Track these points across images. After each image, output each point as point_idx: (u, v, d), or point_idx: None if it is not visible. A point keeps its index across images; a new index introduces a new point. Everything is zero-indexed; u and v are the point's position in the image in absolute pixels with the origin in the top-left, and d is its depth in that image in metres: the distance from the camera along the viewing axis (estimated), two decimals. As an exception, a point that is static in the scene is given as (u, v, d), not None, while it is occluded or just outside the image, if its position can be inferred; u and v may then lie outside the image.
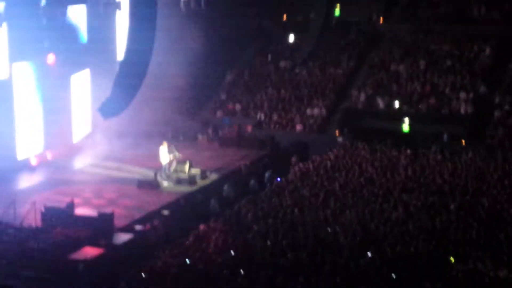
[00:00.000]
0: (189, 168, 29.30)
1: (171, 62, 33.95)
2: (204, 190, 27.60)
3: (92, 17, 32.57)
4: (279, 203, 24.18)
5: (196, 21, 37.83)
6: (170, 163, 29.29)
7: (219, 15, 41.64)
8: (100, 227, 21.97)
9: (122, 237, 21.63)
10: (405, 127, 37.40)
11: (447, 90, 39.22)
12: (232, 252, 19.73)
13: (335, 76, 42.58)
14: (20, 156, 29.96)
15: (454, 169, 28.25)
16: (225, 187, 27.10)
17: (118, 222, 22.93)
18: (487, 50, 41.76)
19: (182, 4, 36.12)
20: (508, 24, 42.66)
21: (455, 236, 20.63)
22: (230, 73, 44.60)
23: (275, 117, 39.75)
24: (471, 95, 38.47)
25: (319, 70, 43.10)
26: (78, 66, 32.49)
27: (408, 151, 30.92)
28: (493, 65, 40.83)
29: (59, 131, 31.46)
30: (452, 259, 18.94)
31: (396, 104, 38.99)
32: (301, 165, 29.61)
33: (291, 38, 46.38)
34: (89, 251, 20.27)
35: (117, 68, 24.90)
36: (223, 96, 42.79)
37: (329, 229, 21.39)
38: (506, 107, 36.80)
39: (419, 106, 38.69)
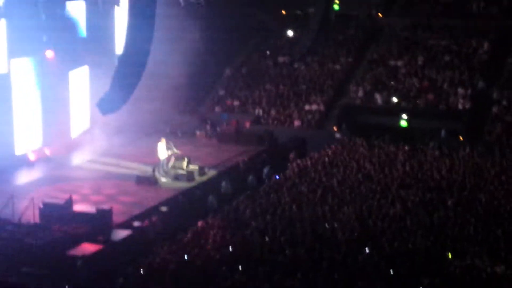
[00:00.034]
0: (187, 164, 29.31)
1: (169, 58, 33.91)
2: (202, 186, 27.60)
3: (91, 12, 32.53)
4: (277, 199, 24.21)
5: (195, 17, 37.81)
6: (168, 159, 29.31)
7: (218, 11, 41.59)
8: (98, 223, 22.02)
9: (121, 233, 21.65)
10: (403, 122, 37.44)
11: (445, 86, 39.27)
12: (230, 248, 19.77)
13: (334, 71, 42.61)
14: (18, 152, 29.97)
15: (452, 165, 28.29)
16: (223, 183, 27.12)
17: (117, 218, 22.95)
18: (485, 45, 41.79)
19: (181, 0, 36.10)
20: (507, 19, 42.68)
21: (452, 232, 20.69)
22: (229, 68, 44.60)
23: (273, 112, 39.76)
24: (469, 90, 38.51)
25: (318, 66, 43.12)
26: (77, 62, 32.48)
27: (406, 147, 30.97)
28: (491, 60, 40.87)
29: (57, 127, 31.47)
30: (449, 255, 19.00)
31: (394, 99, 39.02)
32: (299, 161, 29.63)
33: (290, 33, 46.38)
34: (88, 247, 20.31)
35: (115, 64, 24.91)
36: (221, 92, 42.80)
37: (327, 225, 21.45)
38: (504, 103, 36.84)
39: (417, 101, 38.73)
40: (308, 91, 40.98)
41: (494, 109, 36.60)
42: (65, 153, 31.66)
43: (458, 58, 41.27)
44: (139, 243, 21.41)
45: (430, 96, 38.68)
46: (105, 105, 24.50)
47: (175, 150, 29.51)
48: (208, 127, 37.72)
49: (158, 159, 29.15)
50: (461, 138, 34.40)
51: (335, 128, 37.39)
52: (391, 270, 18.05)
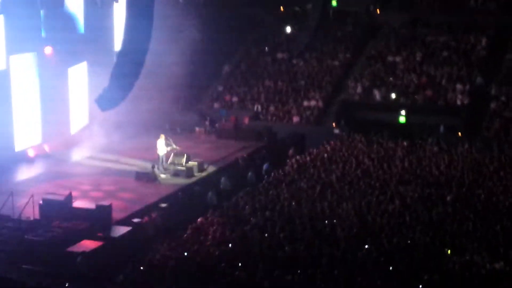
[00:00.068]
0: (187, 161, 29.33)
1: (168, 54, 33.92)
2: (201, 182, 27.63)
3: (89, 9, 32.51)
4: (277, 195, 24.26)
5: (194, 13, 37.81)
6: (167, 155, 29.33)
7: (217, 7, 41.61)
8: (98, 220, 22.03)
9: (120, 230, 21.69)
10: (402, 118, 37.48)
11: (443, 82, 39.31)
12: (229, 244, 19.82)
13: (332, 67, 42.63)
14: (17, 148, 29.98)
15: (451, 161, 28.37)
16: (223, 179, 27.15)
17: (116, 214, 22.97)
18: (484, 41, 41.83)
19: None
20: (505, 15, 42.70)
21: (451, 228, 20.75)
22: (227, 65, 44.60)
23: (272, 109, 39.78)
24: (467, 86, 38.56)
25: (316, 62, 43.14)
26: (76, 58, 32.45)
27: (405, 143, 31.02)
28: (489, 56, 40.91)
29: (56, 123, 31.44)
30: (448, 251, 19.05)
31: (393, 95, 39.06)
32: (298, 157, 29.67)
33: (288, 29, 46.38)
34: (88, 244, 20.34)
35: (114, 59, 24.91)
36: (220, 88, 42.81)
37: (326, 221, 21.49)
38: (502, 99, 36.89)
39: (416, 97, 38.77)
40: (307, 87, 41.00)
41: (492, 105, 36.66)
42: (65, 149, 31.66)
43: (456, 54, 41.30)
44: (139, 239, 21.46)
45: (429, 92, 38.73)
46: (104, 102, 24.55)
47: (174, 146, 29.53)
48: (207, 123, 37.72)
49: (158, 155, 29.17)
50: (459, 134, 34.46)
51: (333, 124, 37.42)
52: (390, 266, 18.11)
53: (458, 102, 37.89)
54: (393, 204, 22.92)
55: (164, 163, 29.12)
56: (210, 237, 20.49)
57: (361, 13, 46.82)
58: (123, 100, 25.82)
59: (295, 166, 28.25)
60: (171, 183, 27.61)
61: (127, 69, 24.05)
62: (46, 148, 31.34)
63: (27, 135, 30.45)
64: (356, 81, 40.85)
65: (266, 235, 20.44)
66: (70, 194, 23.22)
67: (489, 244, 19.47)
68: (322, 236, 20.27)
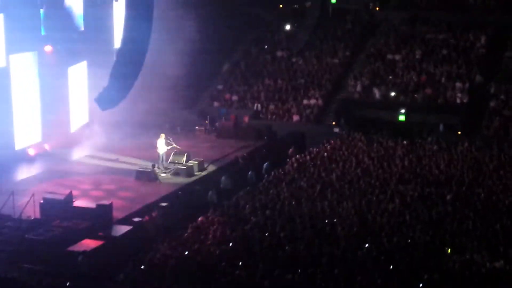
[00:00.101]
0: (187, 160, 29.35)
1: (168, 53, 33.92)
2: (202, 181, 27.64)
3: (89, 7, 32.52)
4: (277, 194, 24.27)
5: (193, 11, 37.80)
6: (167, 154, 29.35)
7: (216, 5, 41.62)
8: (98, 219, 22.04)
9: (121, 229, 21.69)
10: (401, 117, 37.50)
11: (443, 80, 39.34)
12: (230, 244, 19.84)
13: (332, 66, 42.66)
14: (18, 146, 29.99)
15: (450, 160, 28.40)
16: (223, 178, 27.14)
17: (117, 213, 22.99)
18: (483, 39, 41.86)
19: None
20: (504, 13, 42.75)
21: (451, 227, 20.77)
22: (227, 63, 44.62)
23: (272, 107, 39.83)
24: (467, 84, 38.59)
25: (316, 60, 43.17)
26: (76, 57, 32.47)
27: (405, 142, 31.05)
28: (488, 54, 40.95)
29: (56, 122, 31.47)
30: (448, 250, 19.08)
31: (392, 94, 39.08)
32: (298, 156, 29.68)
33: (288, 27, 46.41)
34: (88, 243, 20.33)
35: (114, 59, 24.90)
36: (220, 87, 42.84)
37: (326, 221, 21.51)
38: (502, 97, 36.93)
39: (415, 96, 38.80)
40: (307, 86, 41.04)
41: (492, 103, 36.70)
42: (65, 148, 31.67)
43: (455, 52, 41.35)
44: (139, 238, 21.45)
45: (428, 90, 38.76)
46: (104, 101, 24.49)
47: (174, 145, 29.55)
48: (207, 122, 37.74)
49: (158, 154, 29.19)
50: (459, 133, 34.49)
51: (333, 123, 37.46)
52: (390, 265, 18.13)
53: (458, 101, 37.94)
54: (393, 203, 22.95)
55: (164, 162, 29.15)
56: (210, 236, 20.51)
57: (360, 11, 46.88)
58: (123, 100, 25.80)
59: (295, 165, 28.26)
60: (172, 182, 27.62)
61: (127, 68, 23.99)
62: (46, 146, 31.36)
63: (27, 134, 30.47)
64: (355, 79, 40.88)
65: (266, 234, 20.46)
66: (71, 193, 23.24)
67: (489, 243, 19.49)
68: (322, 235, 20.29)
